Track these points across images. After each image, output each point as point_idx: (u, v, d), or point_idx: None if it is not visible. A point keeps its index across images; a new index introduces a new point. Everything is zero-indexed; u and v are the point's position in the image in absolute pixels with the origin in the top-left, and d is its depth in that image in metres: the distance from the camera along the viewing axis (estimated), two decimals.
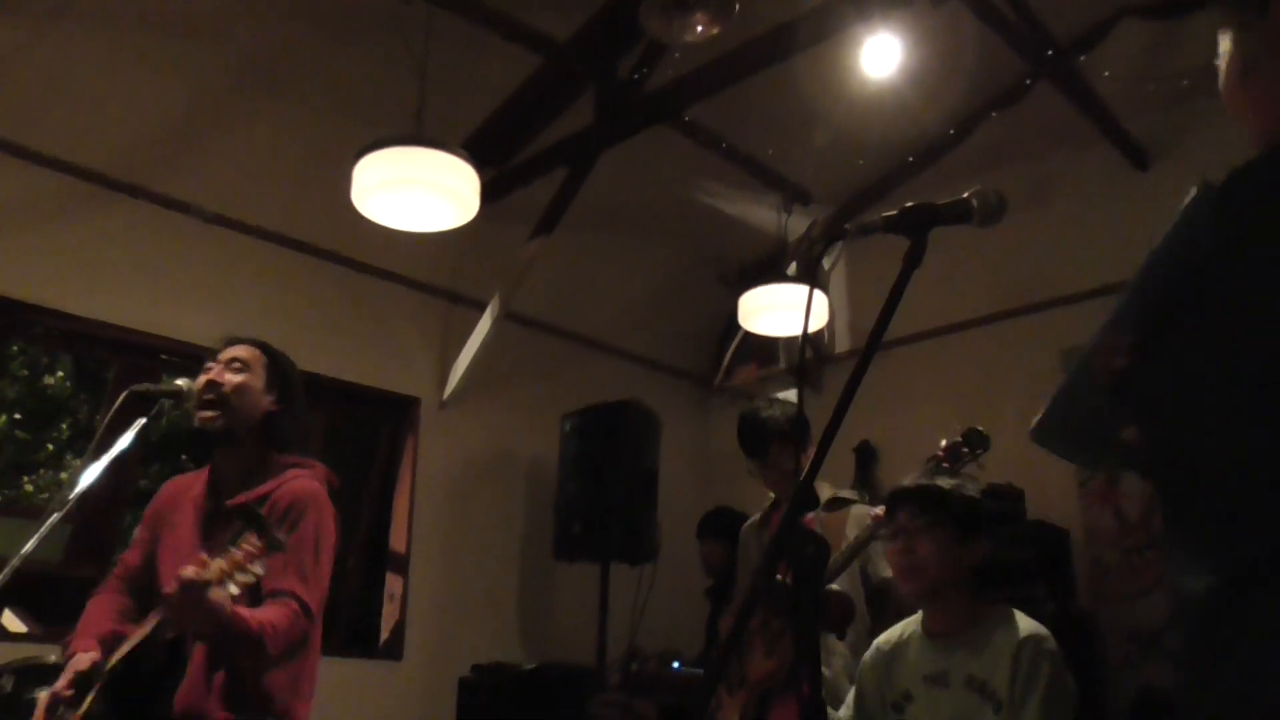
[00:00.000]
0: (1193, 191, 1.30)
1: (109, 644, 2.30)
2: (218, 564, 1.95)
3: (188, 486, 2.54)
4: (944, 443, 2.72)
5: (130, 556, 2.53)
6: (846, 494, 3.15)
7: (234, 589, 1.96)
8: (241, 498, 2.38)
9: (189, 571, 1.93)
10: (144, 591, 2.46)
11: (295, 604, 2.23)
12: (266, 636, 2.12)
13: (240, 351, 2.50)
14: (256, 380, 2.47)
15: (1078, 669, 4.10)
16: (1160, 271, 1.33)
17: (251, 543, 1.99)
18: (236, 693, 2.23)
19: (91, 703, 2.12)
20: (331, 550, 2.42)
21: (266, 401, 2.49)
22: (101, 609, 2.44)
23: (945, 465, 2.69)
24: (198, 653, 2.22)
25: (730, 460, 6.47)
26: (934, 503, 2.38)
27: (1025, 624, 2.29)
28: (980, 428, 2.68)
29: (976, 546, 2.38)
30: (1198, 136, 4.82)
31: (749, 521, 3.59)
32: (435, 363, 5.46)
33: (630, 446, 5.08)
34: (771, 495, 3.45)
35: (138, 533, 2.57)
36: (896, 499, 2.47)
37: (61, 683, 2.17)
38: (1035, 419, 1.51)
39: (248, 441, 2.46)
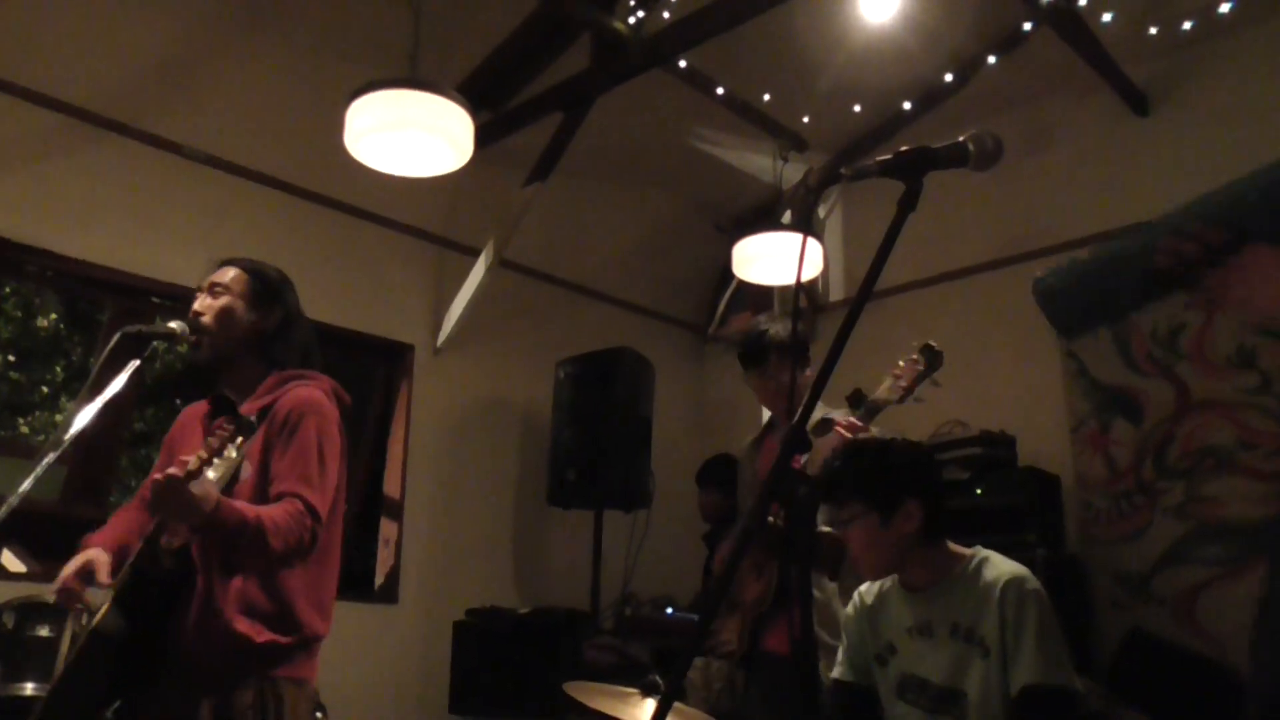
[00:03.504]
0: None
1: (122, 554, 2.31)
2: (194, 456, 1.98)
3: (198, 411, 2.56)
4: (900, 362, 2.71)
5: (149, 482, 2.53)
6: (836, 414, 3.17)
7: (212, 474, 2.00)
8: (243, 409, 2.39)
9: (170, 469, 1.96)
10: None
11: (299, 503, 2.21)
12: (266, 528, 2.11)
13: (221, 275, 2.48)
14: (238, 301, 2.45)
15: (1067, 611, 4.16)
16: None
17: (223, 426, 2.02)
18: (254, 601, 2.24)
19: (105, 613, 2.12)
20: (338, 456, 2.42)
21: (251, 319, 2.46)
22: (120, 522, 2.48)
23: (902, 384, 2.66)
24: (210, 564, 2.22)
25: (724, 407, 6.54)
26: (845, 495, 2.32)
27: (1005, 566, 2.26)
28: (933, 343, 2.65)
29: (908, 514, 2.29)
30: (1198, 82, 4.79)
31: (745, 442, 3.64)
32: (429, 309, 5.45)
33: (624, 394, 5.09)
34: (766, 416, 3.50)
35: (158, 459, 2.60)
36: (821, 495, 2.41)
37: (69, 569, 2.21)
38: (1047, 270, 1.51)
39: (243, 362, 2.46)
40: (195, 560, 2.23)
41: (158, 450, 2.72)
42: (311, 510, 2.23)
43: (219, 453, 2.00)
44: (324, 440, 2.37)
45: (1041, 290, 1.37)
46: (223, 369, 2.45)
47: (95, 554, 2.27)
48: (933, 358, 2.62)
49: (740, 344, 3.45)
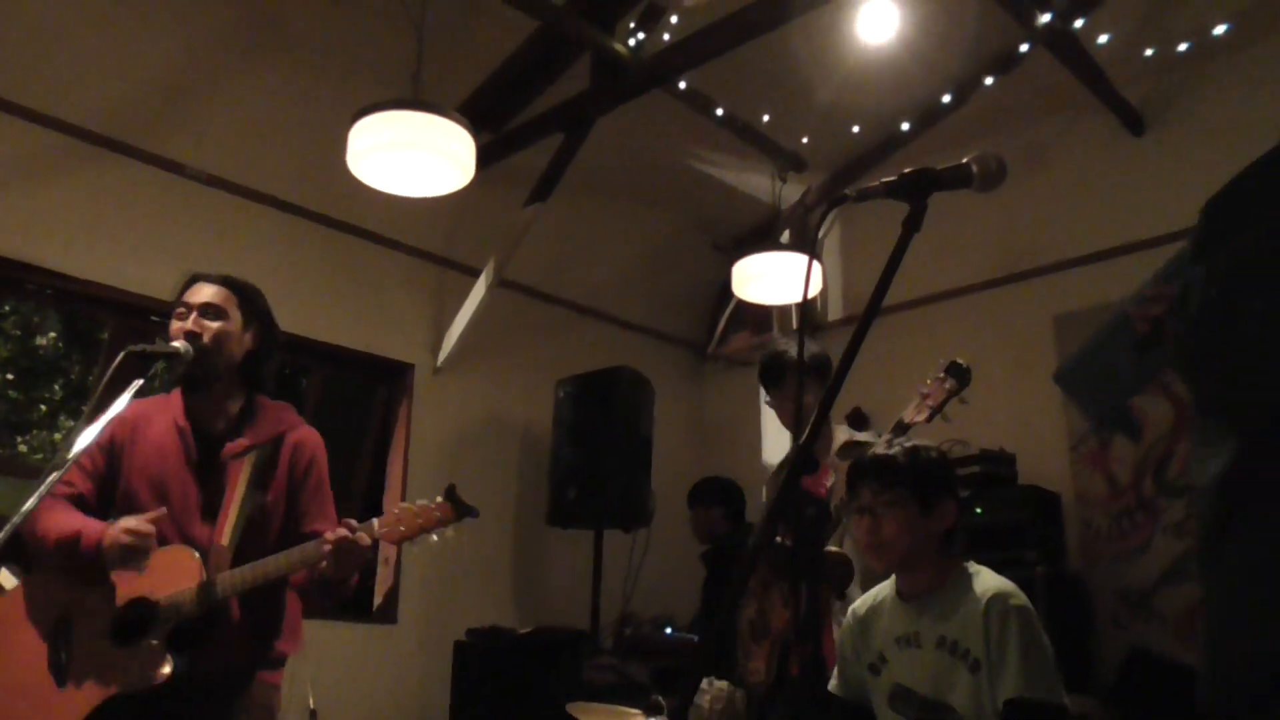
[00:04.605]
0: None
1: None
2: (385, 525, 2.15)
3: (149, 414, 2.47)
4: (928, 380, 2.73)
5: (78, 480, 2.40)
6: (863, 437, 3.18)
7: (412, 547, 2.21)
8: (249, 440, 2.41)
9: (365, 539, 2.14)
10: (98, 516, 2.40)
11: None
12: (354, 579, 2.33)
13: (211, 295, 2.46)
14: (234, 324, 2.46)
15: (1068, 629, 4.18)
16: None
17: (442, 509, 2.16)
18: (269, 620, 2.40)
19: (169, 658, 2.17)
20: None
21: (246, 341, 2.49)
22: (67, 513, 2.33)
23: (930, 403, 2.67)
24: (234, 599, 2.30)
25: (724, 426, 6.55)
26: (894, 478, 2.34)
27: (992, 581, 2.28)
28: (961, 360, 2.68)
29: (945, 511, 2.34)
30: (1193, 101, 4.82)
31: (774, 470, 3.66)
32: (429, 328, 5.45)
33: (624, 413, 5.09)
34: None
35: (87, 458, 2.39)
36: (857, 474, 2.44)
37: (144, 529, 2.18)
38: (1061, 363, 1.51)
39: (228, 382, 2.47)
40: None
41: None
42: None
43: (425, 532, 2.15)
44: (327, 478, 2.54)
45: (1062, 379, 1.39)
46: (206, 385, 2.44)
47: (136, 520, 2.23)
48: (961, 375, 2.65)
49: (761, 364, 3.48)
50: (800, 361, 2.98)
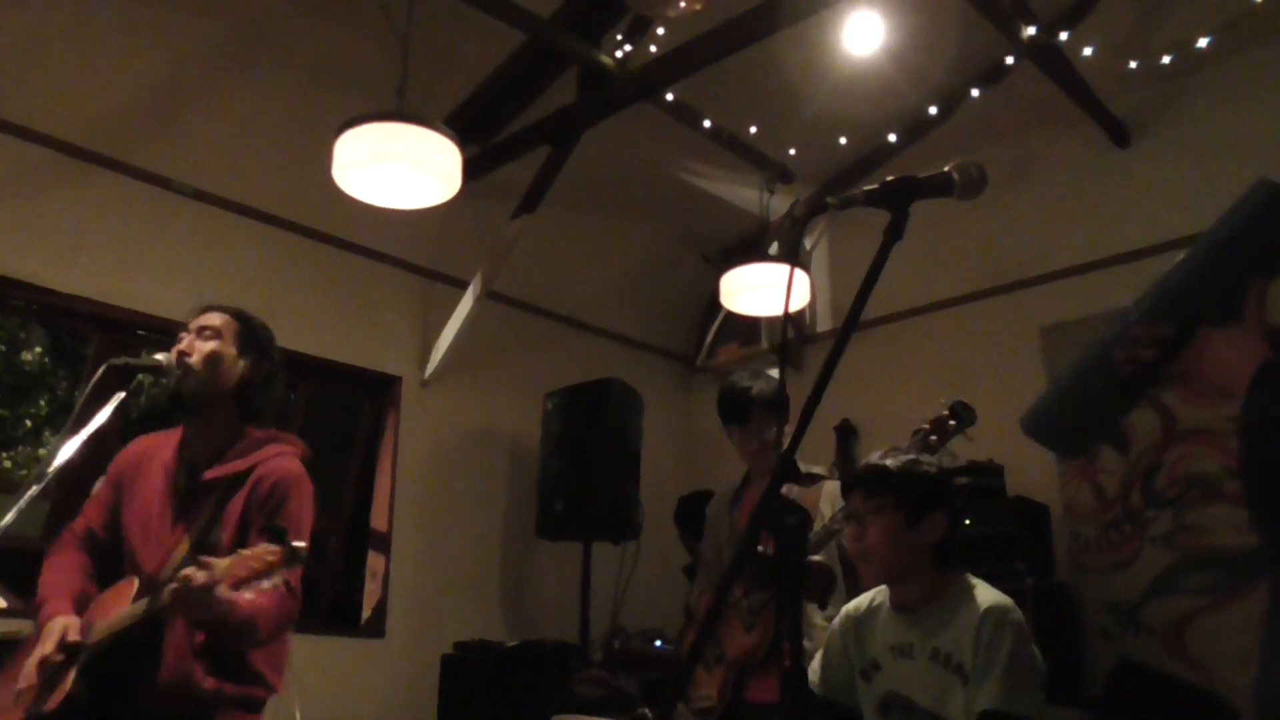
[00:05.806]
0: (1257, 191, 1.28)
1: (82, 604, 2.29)
2: (226, 565, 1.94)
3: (156, 448, 2.49)
4: (930, 416, 2.72)
5: (92, 514, 2.47)
6: (819, 470, 3.15)
7: (248, 594, 1.96)
8: (218, 471, 2.36)
9: (200, 576, 1.92)
10: (104, 552, 2.42)
11: (283, 586, 2.18)
12: (259, 623, 2.13)
13: (212, 319, 2.46)
14: (228, 347, 2.43)
15: (1056, 640, 4.19)
16: (1222, 273, 1.31)
17: (272, 553, 1.96)
18: (218, 661, 2.24)
19: (73, 681, 2.10)
20: (310, 530, 2.40)
21: (239, 368, 2.45)
22: (65, 567, 2.39)
23: (933, 439, 2.67)
24: (179, 625, 2.21)
25: (712, 439, 6.49)
26: (882, 486, 2.33)
27: (988, 595, 2.27)
28: (965, 400, 2.68)
29: (934, 523, 2.31)
30: (1178, 114, 4.85)
31: (718, 495, 3.53)
32: (417, 341, 5.44)
33: (612, 425, 5.08)
34: (745, 470, 3.42)
35: (100, 490, 2.51)
36: (849, 482, 2.44)
37: (50, 646, 2.14)
38: (1028, 409, 1.49)
39: (220, 410, 2.43)
40: (163, 629, 2.22)
41: None
42: (292, 591, 2.24)
43: (260, 578, 1.94)
44: (303, 516, 2.37)
45: (1030, 427, 1.36)
46: (197, 411, 2.42)
47: (68, 622, 2.21)
48: (965, 415, 2.64)
49: (722, 399, 3.32)
50: (781, 383, 2.95)
